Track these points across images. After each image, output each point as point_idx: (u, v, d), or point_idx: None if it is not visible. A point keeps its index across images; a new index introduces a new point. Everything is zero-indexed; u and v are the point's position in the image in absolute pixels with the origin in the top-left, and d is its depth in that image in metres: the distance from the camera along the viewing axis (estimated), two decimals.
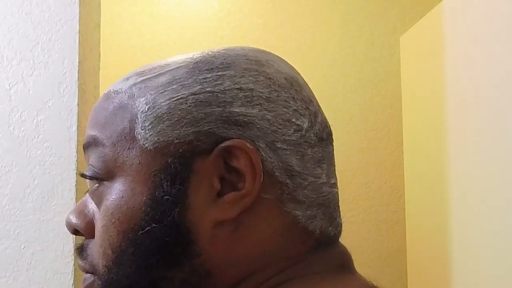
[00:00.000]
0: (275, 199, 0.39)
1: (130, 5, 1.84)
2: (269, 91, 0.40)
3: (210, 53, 0.42)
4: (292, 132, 0.40)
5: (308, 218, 0.40)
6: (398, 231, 1.84)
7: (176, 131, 0.38)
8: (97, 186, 0.41)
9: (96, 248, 0.41)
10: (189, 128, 0.38)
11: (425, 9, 1.85)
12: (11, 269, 1.04)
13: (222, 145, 0.38)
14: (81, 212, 0.43)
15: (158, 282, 0.39)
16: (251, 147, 0.38)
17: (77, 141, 1.06)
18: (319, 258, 0.41)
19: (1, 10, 1.08)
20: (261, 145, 0.39)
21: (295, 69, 0.45)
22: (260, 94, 0.40)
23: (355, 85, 1.89)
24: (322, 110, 0.44)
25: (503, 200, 1.10)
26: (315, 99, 0.44)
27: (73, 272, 1.04)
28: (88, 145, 0.42)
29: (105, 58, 1.32)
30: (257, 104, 0.39)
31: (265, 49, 0.45)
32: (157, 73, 0.41)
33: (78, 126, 1.07)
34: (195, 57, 0.41)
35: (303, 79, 0.45)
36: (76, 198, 1.05)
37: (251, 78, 0.40)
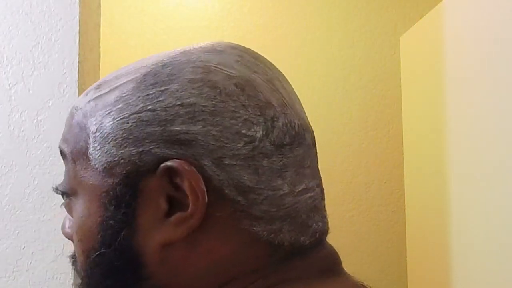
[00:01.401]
0: (228, 217, 0.38)
1: (130, 5, 1.84)
2: (213, 104, 0.37)
3: (164, 60, 0.40)
4: (242, 145, 0.37)
5: (271, 233, 0.38)
6: (398, 231, 1.84)
7: (121, 151, 0.38)
8: (68, 200, 0.42)
9: None
10: (133, 148, 0.38)
11: (425, 9, 1.85)
12: (11, 269, 1.04)
13: (162, 165, 0.37)
14: (71, 220, 0.44)
15: None
16: (189, 168, 0.36)
17: None
18: (294, 266, 0.39)
19: (1, 10, 1.08)
20: (205, 163, 0.37)
21: (257, 65, 0.41)
22: (203, 109, 0.37)
23: (355, 85, 1.89)
24: (290, 109, 0.41)
25: (503, 200, 1.10)
26: (280, 98, 0.40)
27: (73, 272, 1.04)
28: (61, 155, 0.43)
29: (105, 58, 1.32)
30: (200, 120, 0.37)
31: (227, 44, 0.42)
32: (109, 89, 0.41)
33: None
34: (148, 65, 0.40)
35: (267, 76, 0.41)
36: None
37: (193, 91, 0.38)
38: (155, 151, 0.37)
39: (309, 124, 0.43)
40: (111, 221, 0.38)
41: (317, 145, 0.44)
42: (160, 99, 0.38)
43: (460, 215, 1.30)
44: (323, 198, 0.43)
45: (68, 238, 0.45)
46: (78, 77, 1.07)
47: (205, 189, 0.36)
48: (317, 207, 0.42)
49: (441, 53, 1.39)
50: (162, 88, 0.38)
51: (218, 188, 0.37)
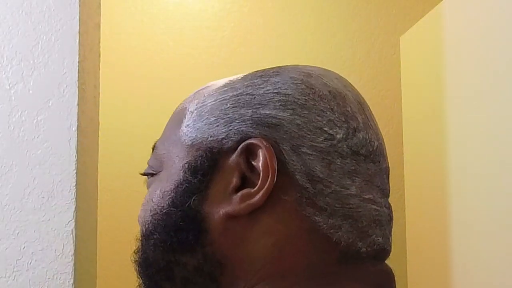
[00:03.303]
0: (293, 202, 0.39)
1: (130, 5, 1.84)
2: (305, 99, 0.41)
3: (269, 68, 0.45)
4: (321, 139, 0.40)
5: (331, 227, 0.40)
6: (398, 231, 1.84)
7: (211, 130, 0.41)
8: (150, 178, 0.46)
9: None
10: (223, 128, 0.41)
11: (425, 9, 1.85)
12: (11, 269, 1.04)
13: (244, 143, 0.40)
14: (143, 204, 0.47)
15: (172, 266, 0.42)
16: (267, 145, 0.39)
17: (77, 141, 1.06)
18: (347, 274, 0.40)
19: (1, 10, 1.08)
20: (285, 147, 0.40)
21: (351, 88, 0.46)
22: (296, 100, 0.41)
23: (355, 85, 1.88)
24: (372, 132, 0.43)
25: (503, 200, 1.10)
26: (365, 119, 0.44)
27: (73, 272, 1.04)
28: (152, 149, 0.47)
29: (105, 58, 1.32)
30: (290, 109, 0.40)
31: (323, 68, 0.46)
32: (221, 81, 0.45)
33: (78, 126, 1.07)
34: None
35: (358, 99, 0.45)
36: (76, 198, 1.05)
37: (292, 86, 0.41)
38: (242, 130, 0.40)
39: (387, 155, 0.45)
40: (186, 185, 0.41)
41: None
42: (261, 86, 0.42)
43: (460, 215, 1.30)
44: (390, 220, 0.44)
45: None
46: (78, 77, 1.07)
47: (276, 168, 0.39)
48: (381, 222, 0.43)
49: (441, 53, 1.39)
50: (266, 79, 0.43)
51: (290, 173, 0.40)
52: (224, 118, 0.41)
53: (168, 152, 0.44)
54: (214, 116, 0.42)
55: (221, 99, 0.42)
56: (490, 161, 1.15)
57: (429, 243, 1.50)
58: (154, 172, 0.45)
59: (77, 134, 1.07)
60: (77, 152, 1.06)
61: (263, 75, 0.43)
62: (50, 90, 1.07)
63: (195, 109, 0.43)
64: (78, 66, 1.08)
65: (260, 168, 0.39)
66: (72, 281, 1.04)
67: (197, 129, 0.42)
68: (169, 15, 1.84)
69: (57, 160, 1.06)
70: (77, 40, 1.08)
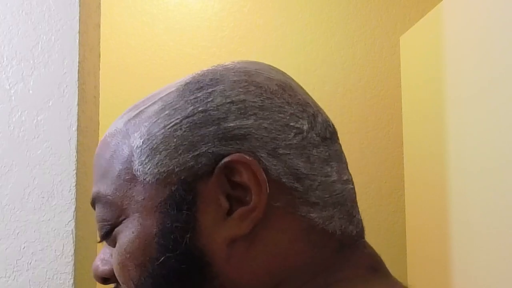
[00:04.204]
0: (287, 206, 0.39)
1: (130, 5, 1.84)
2: (261, 100, 0.39)
3: (199, 73, 0.42)
4: (292, 135, 0.39)
5: (326, 219, 0.39)
6: (398, 231, 1.84)
7: (175, 160, 0.38)
8: (111, 235, 0.42)
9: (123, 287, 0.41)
10: (188, 154, 0.38)
11: (425, 9, 1.85)
12: (11, 269, 1.04)
13: (222, 162, 0.38)
14: (104, 259, 0.43)
15: None
16: (250, 159, 0.37)
17: (77, 141, 1.06)
18: (346, 261, 0.40)
19: (1, 10, 1.08)
20: (262, 154, 0.38)
21: (287, 75, 0.44)
22: (253, 104, 0.39)
23: (355, 85, 1.89)
24: (322, 111, 0.44)
25: (503, 200, 1.10)
26: (313, 101, 0.43)
27: (73, 272, 1.04)
28: (93, 203, 0.43)
29: (105, 58, 1.32)
30: (252, 115, 0.39)
31: (253, 60, 0.45)
32: (149, 103, 0.41)
33: (78, 126, 1.07)
34: (184, 79, 0.42)
35: (297, 84, 0.44)
36: (76, 198, 1.05)
37: (241, 90, 0.40)
38: (212, 150, 0.38)
39: None
40: (174, 226, 0.38)
41: None
42: (209, 99, 0.39)
43: (460, 215, 1.30)
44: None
45: (104, 279, 0.44)
46: (78, 77, 1.07)
47: (266, 179, 0.37)
48: (356, 200, 0.43)
49: (441, 53, 1.39)
50: (209, 90, 0.40)
51: (275, 178, 0.38)
52: (184, 145, 0.38)
53: (126, 195, 0.40)
54: (172, 145, 0.38)
55: (171, 124, 0.39)
56: (490, 161, 1.15)
57: (429, 243, 1.50)
58: (115, 224, 0.40)
59: (77, 134, 1.07)
60: (77, 152, 1.06)
61: (202, 86, 0.40)
62: (50, 90, 1.07)
63: (143, 143, 0.39)
64: (78, 66, 1.08)
65: (247, 183, 0.37)
66: (72, 281, 1.04)
67: (157, 163, 0.38)
68: (169, 15, 1.84)
69: (57, 160, 1.06)
70: (77, 40, 1.08)
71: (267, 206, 0.38)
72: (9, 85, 1.07)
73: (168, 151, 0.38)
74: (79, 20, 1.09)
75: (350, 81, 1.89)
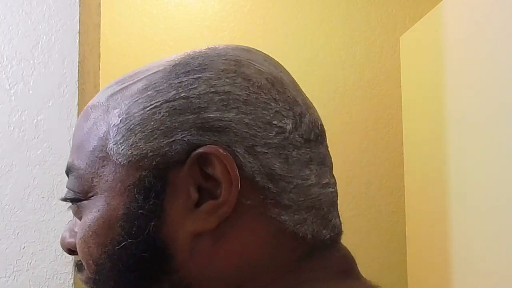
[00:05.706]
0: (258, 205, 0.37)
1: (130, 5, 1.84)
2: (247, 93, 0.38)
3: (190, 53, 0.40)
4: (273, 134, 0.38)
5: (297, 223, 0.38)
6: (398, 231, 1.84)
7: (149, 144, 0.37)
8: (77, 206, 0.41)
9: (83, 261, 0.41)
10: (163, 139, 0.37)
11: (425, 9, 1.85)
12: (11, 269, 1.04)
13: (195, 152, 0.36)
14: (73, 230, 0.43)
15: None
16: (224, 153, 0.36)
17: None
18: (315, 264, 0.39)
19: (1, 10, 1.08)
20: (238, 150, 0.37)
21: (281, 68, 0.43)
22: (237, 97, 0.38)
23: (355, 85, 1.89)
24: (313, 110, 0.42)
25: (503, 200, 1.10)
26: (303, 99, 0.42)
27: (73, 272, 1.04)
28: (67, 172, 0.42)
29: (105, 58, 1.32)
30: (234, 108, 0.37)
31: (251, 47, 0.43)
32: (135, 79, 0.40)
33: None
34: (175, 59, 0.40)
35: (290, 78, 0.42)
36: None
37: (228, 80, 0.38)
38: (187, 139, 0.37)
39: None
40: (139, 212, 0.37)
41: None
42: (193, 86, 0.38)
43: (460, 215, 1.30)
44: (337, 196, 0.43)
45: (70, 250, 0.43)
46: (78, 77, 1.08)
47: (238, 175, 0.36)
48: (335, 203, 0.42)
49: (441, 53, 1.39)
50: (195, 76, 0.38)
51: (249, 176, 0.37)
52: (161, 129, 0.37)
53: (97, 173, 0.39)
54: (149, 128, 0.37)
55: (151, 107, 0.38)
56: (490, 161, 1.15)
57: (429, 243, 1.50)
58: (81, 197, 0.40)
59: None
60: None
61: (189, 71, 0.38)
62: (50, 90, 1.07)
63: (120, 122, 0.38)
64: (78, 66, 1.08)
65: (220, 176, 0.36)
66: (72, 281, 1.04)
67: (131, 145, 0.37)
68: (169, 15, 1.84)
69: (57, 160, 1.06)
70: (77, 40, 1.08)
71: (237, 203, 0.36)
72: (9, 85, 1.07)
73: (144, 133, 0.37)
74: (79, 20, 1.09)
75: (350, 81, 1.89)
